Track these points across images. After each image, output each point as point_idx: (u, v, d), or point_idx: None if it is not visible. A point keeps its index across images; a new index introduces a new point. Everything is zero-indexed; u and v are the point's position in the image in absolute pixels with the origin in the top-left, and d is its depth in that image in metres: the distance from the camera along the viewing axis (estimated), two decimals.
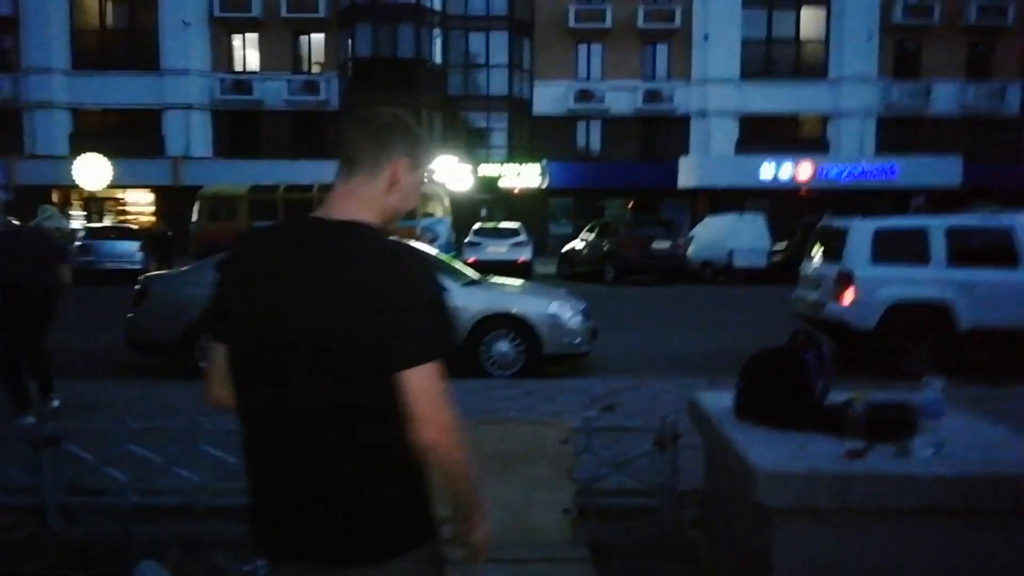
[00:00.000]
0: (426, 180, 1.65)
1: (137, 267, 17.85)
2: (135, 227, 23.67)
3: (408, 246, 1.53)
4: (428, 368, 1.43)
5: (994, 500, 2.38)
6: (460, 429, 1.48)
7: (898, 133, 28.64)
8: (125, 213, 29.14)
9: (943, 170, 26.79)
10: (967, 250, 8.21)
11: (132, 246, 20.12)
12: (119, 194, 28.52)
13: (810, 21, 29.16)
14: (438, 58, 29.08)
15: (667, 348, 9.96)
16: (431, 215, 18.58)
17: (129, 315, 7.86)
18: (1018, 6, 27.87)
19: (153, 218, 28.62)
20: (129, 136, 28.85)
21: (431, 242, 15.72)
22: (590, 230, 22.61)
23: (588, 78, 29.67)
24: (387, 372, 1.42)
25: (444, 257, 10.36)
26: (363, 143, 1.56)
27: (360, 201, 1.54)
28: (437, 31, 28.93)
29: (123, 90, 28.76)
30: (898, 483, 2.40)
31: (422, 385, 1.42)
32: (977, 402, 5.23)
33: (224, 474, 3.65)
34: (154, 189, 28.75)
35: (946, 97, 28.37)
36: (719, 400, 3.24)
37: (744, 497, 2.58)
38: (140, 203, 29.50)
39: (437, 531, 1.55)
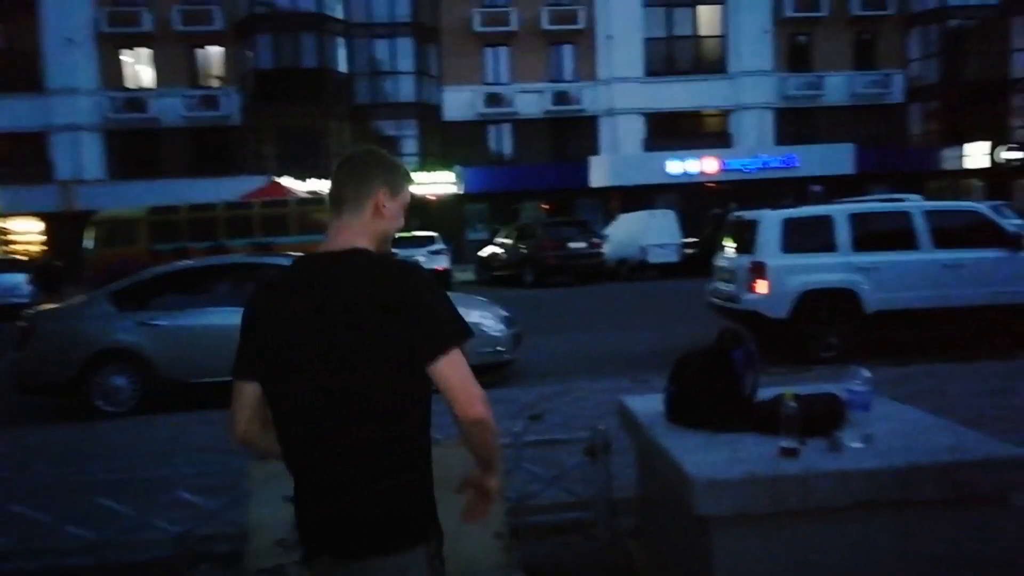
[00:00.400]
0: (408, 203, 1.87)
1: (24, 301, 16.65)
2: (21, 258, 22.16)
3: (407, 260, 1.81)
4: (457, 353, 1.67)
5: (929, 489, 2.36)
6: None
7: (795, 124, 29.79)
8: (10, 243, 27.32)
9: (838, 158, 28.04)
10: (870, 235, 8.51)
11: (18, 279, 18.81)
12: (3, 223, 26.71)
13: (707, 18, 30.03)
14: (343, 67, 28.51)
15: (591, 349, 9.95)
16: None
17: (15, 355, 7.25)
18: None
19: (42, 247, 26.94)
20: (13, 162, 27.05)
21: None
22: (507, 234, 22.59)
23: (496, 82, 29.70)
24: (418, 366, 1.65)
25: None
26: (345, 181, 1.78)
27: (353, 231, 1.75)
28: (341, 39, 28.36)
29: (4, 114, 27.00)
30: (833, 480, 2.34)
31: (457, 367, 1.66)
32: (892, 384, 5.37)
33: (124, 528, 3.33)
34: (43, 217, 27.03)
35: (837, 87, 29.71)
36: (648, 404, 3.15)
37: (681, 505, 2.49)
38: (27, 232, 27.73)
39: (440, 529, 1.75)
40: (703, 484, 2.34)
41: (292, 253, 9.65)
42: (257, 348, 1.74)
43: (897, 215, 8.76)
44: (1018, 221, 9.53)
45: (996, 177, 28.44)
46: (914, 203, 9.11)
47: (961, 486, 2.35)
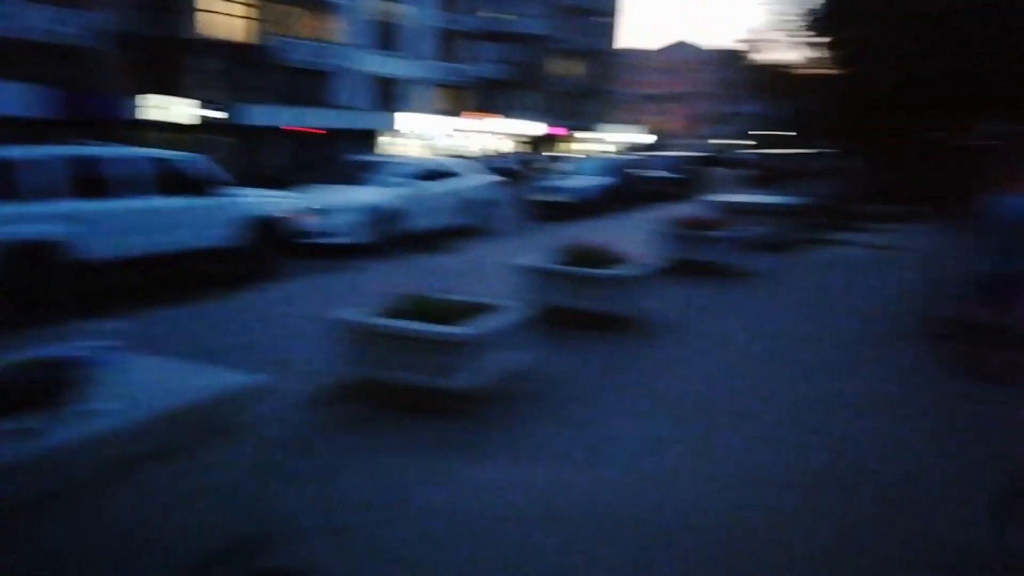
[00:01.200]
0: None
1: None
2: None
3: None
4: None
5: (191, 431, 2.35)
6: None
7: None
8: None
9: (31, 99, 25.12)
10: (75, 183, 7.90)
11: None
12: None
13: None
14: None
15: None
16: None
17: None
18: None
19: None
20: None
21: None
22: None
23: None
24: None
25: None
26: None
27: None
28: None
29: None
30: (90, 449, 2.10)
31: None
32: (124, 334, 5.17)
33: None
34: None
35: (28, 20, 26.22)
36: None
37: None
38: None
39: None
40: None
41: None
42: None
43: (101, 161, 8.38)
44: (207, 172, 9.98)
45: (189, 131, 30.26)
46: (117, 151, 8.88)
47: (223, 420, 2.43)
